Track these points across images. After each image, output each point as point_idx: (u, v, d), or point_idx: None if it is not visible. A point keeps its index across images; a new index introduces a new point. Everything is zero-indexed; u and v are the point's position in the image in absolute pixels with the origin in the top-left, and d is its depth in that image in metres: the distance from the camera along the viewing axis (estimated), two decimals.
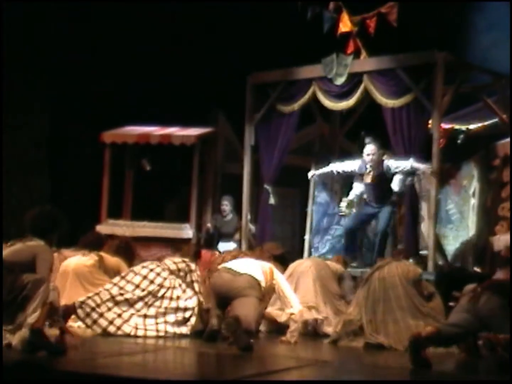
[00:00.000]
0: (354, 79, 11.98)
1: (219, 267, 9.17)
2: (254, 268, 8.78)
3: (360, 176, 11.93)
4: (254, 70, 12.88)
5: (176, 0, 14.30)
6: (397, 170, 11.55)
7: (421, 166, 11.32)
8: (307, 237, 12.61)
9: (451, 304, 10.69)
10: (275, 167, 12.64)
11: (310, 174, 12.41)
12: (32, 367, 6.59)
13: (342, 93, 12.14)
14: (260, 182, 12.81)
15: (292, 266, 10.22)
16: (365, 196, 12.11)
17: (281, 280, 8.86)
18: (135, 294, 9.13)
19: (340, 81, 12.00)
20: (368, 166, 11.73)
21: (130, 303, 9.07)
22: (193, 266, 9.50)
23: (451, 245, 11.90)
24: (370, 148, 11.68)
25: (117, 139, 13.61)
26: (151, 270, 9.34)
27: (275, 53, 13.38)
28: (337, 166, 12.11)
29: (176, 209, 13.82)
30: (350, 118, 13.25)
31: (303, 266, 10.18)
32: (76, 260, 9.70)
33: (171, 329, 9.06)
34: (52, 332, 7.60)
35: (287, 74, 12.69)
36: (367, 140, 11.94)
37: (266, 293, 8.88)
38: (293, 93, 12.56)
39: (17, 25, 13.94)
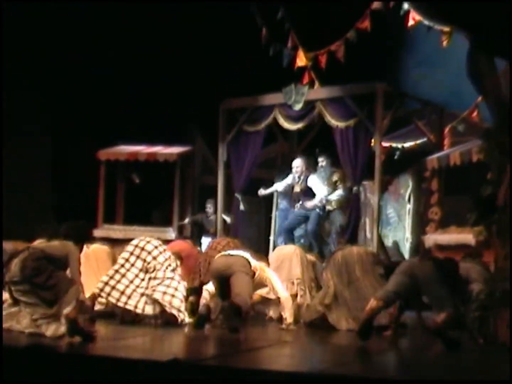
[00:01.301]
0: (309, 105, 12.10)
1: (218, 254, 9.08)
2: (246, 254, 8.79)
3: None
4: (226, 97, 12.95)
5: (160, 31, 14.13)
6: (314, 188, 11.88)
7: (333, 196, 11.86)
8: (271, 237, 12.65)
9: None
10: (244, 179, 12.78)
11: (259, 193, 12.57)
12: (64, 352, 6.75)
13: (299, 117, 12.27)
14: (231, 192, 12.88)
15: (277, 250, 10.47)
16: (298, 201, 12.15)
17: (269, 272, 8.84)
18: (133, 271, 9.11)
19: (298, 107, 12.18)
20: (296, 177, 12.06)
21: (131, 279, 9.03)
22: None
23: (390, 243, 12.24)
24: (296, 163, 12.04)
25: (110, 157, 13.67)
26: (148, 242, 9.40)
27: (243, 82, 13.32)
28: (278, 185, 12.38)
29: (161, 215, 13.83)
30: (306, 138, 13.40)
31: (288, 248, 10.30)
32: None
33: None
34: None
35: (253, 100, 12.79)
36: (322, 160, 12.19)
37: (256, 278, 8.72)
38: (258, 116, 12.66)
39: (18, 43, 13.67)
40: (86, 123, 14.22)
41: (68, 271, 7.70)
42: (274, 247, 12.44)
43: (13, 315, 7.84)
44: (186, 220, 13.43)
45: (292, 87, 12.31)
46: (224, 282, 8.53)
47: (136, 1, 14.02)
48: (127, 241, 10.48)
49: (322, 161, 12.28)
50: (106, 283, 8.98)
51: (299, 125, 12.43)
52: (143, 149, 13.83)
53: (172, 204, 13.51)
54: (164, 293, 8.94)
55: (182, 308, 9.02)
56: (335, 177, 12.16)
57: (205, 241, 12.90)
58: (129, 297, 8.98)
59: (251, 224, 13.33)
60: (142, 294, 8.98)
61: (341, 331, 8.68)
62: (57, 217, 12.79)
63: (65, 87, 14.39)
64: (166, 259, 9.30)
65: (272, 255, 10.31)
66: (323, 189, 11.92)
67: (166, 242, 12.09)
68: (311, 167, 12.25)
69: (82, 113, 14.38)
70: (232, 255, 8.82)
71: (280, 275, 9.41)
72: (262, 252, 11.79)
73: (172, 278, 9.14)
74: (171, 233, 13.30)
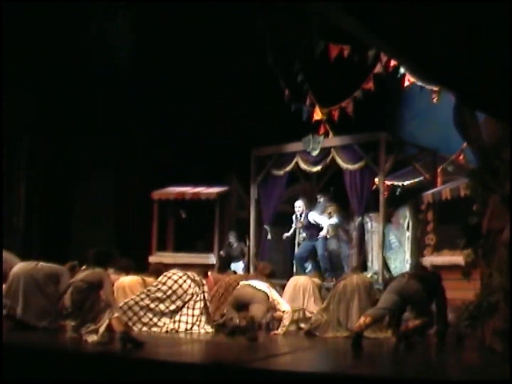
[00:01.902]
0: (325, 151, 12.05)
1: (242, 283, 9.14)
2: (264, 286, 8.94)
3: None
4: (256, 146, 12.96)
5: (201, 84, 13.98)
6: (316, 222, 12.00)
7: (332, 221, 11.84)
8: (295, 261, 12.65)
9: None
10: (272, 213, 12.78)
11: (283, 236, 12.59)
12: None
13: (317, 161, 12.22)
14: (261, 223, 12.87)
15: (293, 280, 10.29)
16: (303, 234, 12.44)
17: (274, 294, 9.03)
18: (165, 294, 9.05)
19: (315, 153, 12.14)
20: (298, 215, 12.27)
21: (159, 302, 8.99)
22: (203, 281, 9.49)
23: (392, 265, 12.00)
24: (298, 203, 12.23)
25: (162, 196, 13.69)
26: (180, 277, 9.27)
27: (270, 133, 13.27)
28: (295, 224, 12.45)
29: (203, 243, 13.75)
30: (323, 178, 13.33)
31: (302, 279, 10.24)
32: (130, 279, 9.78)
33: (183, 327, 8.95)
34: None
35: (279, 148, 12.78)
36: (320, 197, 12.39)
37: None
38: (283, 162, 12.63)
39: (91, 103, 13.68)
40: (141, 170, 14.33)
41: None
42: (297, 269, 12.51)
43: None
44: (221, 252, 13.31)
45: (310, 137, 12.31)
46: (242, 307, 8.70)
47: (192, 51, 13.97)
48: (176, 265, 10.61)
49: (320, 197, 12.41)
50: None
51: (317, 168, 12.40)
52: (188, 189, 13.81)
53: (213, 234, 13.51)
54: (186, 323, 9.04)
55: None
56: (329, 209, 12.18)
57: (234, 266, 12.98)
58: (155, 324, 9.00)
59: (278, 251, 13.14)
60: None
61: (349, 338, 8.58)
62: (119, 248, 12.77)
63: (126, 140, 14.53)
64: (193, 293, 9.23)
65: (288, 284, 10.27)
66: (325, 219, 11.98)
67: (208, 266, 12.34)
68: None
69: (138, 162, 14.50)
70: (254, 287, 8.88)
71: (295, 302, 9.63)
72: (287, 273, 12.13)
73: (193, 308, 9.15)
74: (212, 259, 13.29)
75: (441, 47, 5.41)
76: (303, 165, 12.48)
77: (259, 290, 8.86)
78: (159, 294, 9.13)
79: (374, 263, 11.99)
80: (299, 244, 12.78)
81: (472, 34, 5.15)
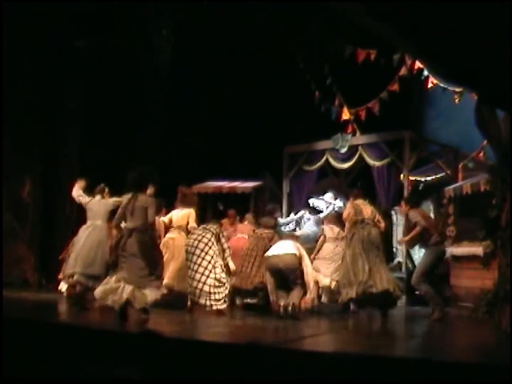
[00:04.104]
0: (353, 149, 12.09)
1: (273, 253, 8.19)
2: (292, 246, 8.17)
3: None
4: (288, 144, 13.02)
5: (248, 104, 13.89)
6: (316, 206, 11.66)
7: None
8: None
9: (417, 293, 11.09)
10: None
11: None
12: None
13: (345, 158, 12.26)
14: None
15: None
16: None
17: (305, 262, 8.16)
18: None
19: (343, 150, 12.19)
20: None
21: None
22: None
23: (416, 255, 11.85)
24: (326, 196, 11.66)
25: (201, 190, 13.63)
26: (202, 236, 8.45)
27: (301, 132, 13.16)
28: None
29: None
30: (351, 174, 13.33)
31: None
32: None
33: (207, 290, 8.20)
34: None
35: (309, 146, 12.83)
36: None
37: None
38: (313, 158, 12.72)
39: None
40: (183, 165, 14.13)
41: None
42: None
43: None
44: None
45: (339, 135, 12.34)
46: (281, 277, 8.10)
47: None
48: None
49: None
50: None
51: (346, 165, 12.38)
52: (225, 184, 13.91)
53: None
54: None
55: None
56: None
57: None
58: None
59: None
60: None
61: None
62: None
63: (170, 139, 14.44)
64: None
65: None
66: (323, 202, 11.62)
67: None
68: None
69: (180, 158, 14.43)
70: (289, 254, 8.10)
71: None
72: None
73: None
74: None
75: (463, 49, 5.37)
76: (332, 162, 12.49)
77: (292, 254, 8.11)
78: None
79: (398, 253, 11.95)
80: None
81: (493, 35, 5.09)
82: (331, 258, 9.53)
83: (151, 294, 7.08)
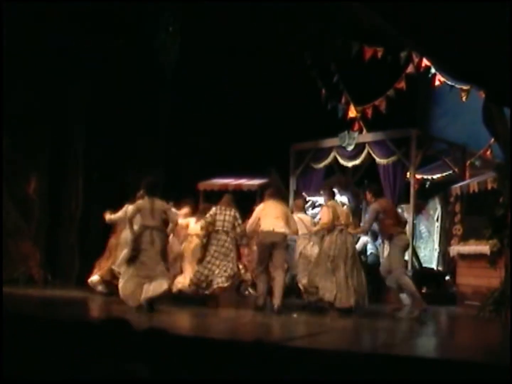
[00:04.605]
0: (359, 147, 12.07)
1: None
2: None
3: None
4: (295, 141, 13.02)
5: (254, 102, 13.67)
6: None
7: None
8: None
9: (423, 291, 11.08)
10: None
11: None
12: None
13: (352, 156, 12.24)
14: None
15: None
16: None
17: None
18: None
19: (350, 148, 12.18)
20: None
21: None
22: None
23: (422, 253, 11.99)
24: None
25: (207, 187, 13.70)
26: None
27: (308, 129, 12.84)
28: None
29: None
30: (358, 172, 13.19)
31: None
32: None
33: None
34: None
35: (316, 144, 12.81)
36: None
37: None
38: (320, 156, 12.70)
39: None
40: (189, 163, 14.16)
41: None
42: None
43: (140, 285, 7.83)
44: None
45: (345, 133, 12.32)
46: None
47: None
48: None
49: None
50: None
51: (353, 163, 12.35)
52: (231, 181, 13.87)
53: None
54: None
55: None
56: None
57: None
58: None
59: None
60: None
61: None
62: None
63: (174, 137, 14.27)
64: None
65: None
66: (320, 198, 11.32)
67: None
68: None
69: (186, 156, 14.36)
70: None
71: None
72: None
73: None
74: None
75: (470, 48, 5.34)
76: (339, 159, 12.47)
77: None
78: None
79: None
80: None
81: (493, 35, 5.07)
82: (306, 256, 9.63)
83: (165, 284, 7.87)
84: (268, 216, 8.82)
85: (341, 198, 11.47)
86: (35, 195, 12.42)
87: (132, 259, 7.93)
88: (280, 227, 8.67)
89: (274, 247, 8.63)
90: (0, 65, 10.72)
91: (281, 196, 9.91)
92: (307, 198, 11.77)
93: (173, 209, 9.15)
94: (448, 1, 5.10)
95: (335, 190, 11.84)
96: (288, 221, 8.79)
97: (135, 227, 8.11)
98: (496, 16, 5.02)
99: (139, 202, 8.33)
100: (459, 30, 5.23)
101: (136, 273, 7.84)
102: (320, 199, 11.50)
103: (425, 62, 11.29)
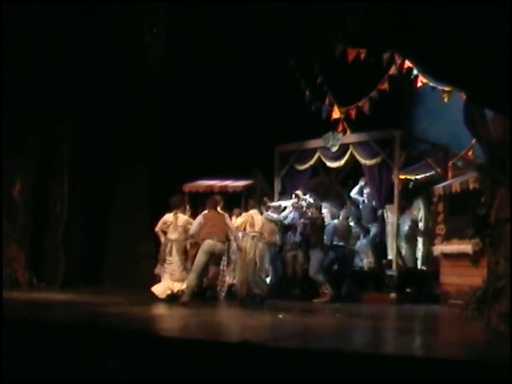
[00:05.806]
0: (343, 148, 12.12)
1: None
2: None
3: None
4: (279, 143, 13.04)
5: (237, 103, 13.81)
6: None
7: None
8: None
9: (407, 290, 11.18)
10: None
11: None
12: None
13: (336, 157, 12.28)
14: None
15: None
16: None
17: None
18: None
19: (334, 149, 12.24)
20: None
21: None
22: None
23: (406, 253, 11.95)
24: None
25: (192, 189, 13.67)
26: None
27: (292, 131, 12.90)
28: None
29: None
30: (341, 173, 13.38)
31: None
32: None
33: None
34: None
35: (300, 145, 12.87)
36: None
37: None
38: (304, 157, 12.76)
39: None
40: (173, 165, 14.06)
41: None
42: None
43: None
44: None
45: (329, 134, 12.38)
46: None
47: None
48: None
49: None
50: None
51: (336, 164, 12.40)
52: (216, 183, 13.85)
53: None
54: None
55: None
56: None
57: None
58: None
59: None
60: None
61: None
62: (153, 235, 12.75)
63: (160, 139, 14.36)
64: None
65: None
66: (288, 202, 12.11)
67: None
68: None
69: (171, 157, 14.24)
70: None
71: None
72: None
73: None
74: None
75: (452, 50, 5.40)
76: (323, 160, 12.52)
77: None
78: None
79: (388, 251, 11.96)
80: None
81: (481, 37, 5.13)
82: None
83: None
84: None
85: (307, 198, 11.81)
86: (20, 198, 12.38)
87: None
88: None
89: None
90: (0, 65, 10.74)
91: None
92: (279, 203, 12.05)
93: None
94: (430, 3, 5.15)
95: (300, 193, 12.03)
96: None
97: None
98: (478, 19, 5.07)
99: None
100: (441, 32, 5.29)
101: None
102: (286, 203, 11.96)
103: (407, 63, 11.36)
